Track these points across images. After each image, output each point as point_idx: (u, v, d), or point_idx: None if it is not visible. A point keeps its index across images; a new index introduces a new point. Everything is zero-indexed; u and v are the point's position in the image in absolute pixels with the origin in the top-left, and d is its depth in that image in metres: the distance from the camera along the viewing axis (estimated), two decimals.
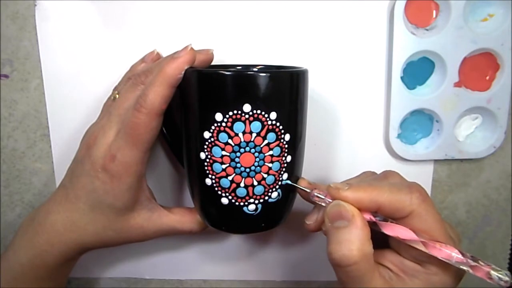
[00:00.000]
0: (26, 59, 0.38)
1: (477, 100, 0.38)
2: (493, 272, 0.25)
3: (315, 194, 0.30)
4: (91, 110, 0.37)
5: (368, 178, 0.31)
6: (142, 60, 0.36)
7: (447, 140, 0.39)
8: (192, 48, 0.30)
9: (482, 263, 0.25)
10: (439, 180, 0.41)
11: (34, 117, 0.39)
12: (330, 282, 0.43)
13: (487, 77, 0.38)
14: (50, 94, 0.38)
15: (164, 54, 0.36)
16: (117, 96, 0.33)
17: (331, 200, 0.29)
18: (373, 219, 0.28)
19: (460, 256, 0.26)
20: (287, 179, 0.31)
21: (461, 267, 0.26)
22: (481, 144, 0.39)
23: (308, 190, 0.31)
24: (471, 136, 0.40)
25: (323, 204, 0.29)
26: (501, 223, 0.42)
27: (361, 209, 0.27)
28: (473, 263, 0.26)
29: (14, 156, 0.40)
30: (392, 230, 0.27)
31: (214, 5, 0.37)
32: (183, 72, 0.30)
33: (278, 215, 0.33)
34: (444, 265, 0.27)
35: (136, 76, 0.32)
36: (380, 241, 0.28)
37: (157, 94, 0.29)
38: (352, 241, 0.26)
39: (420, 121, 0.39)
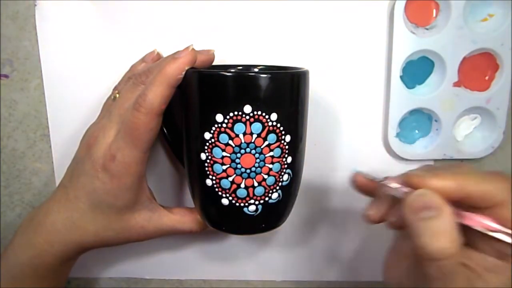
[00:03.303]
0: (26, 59, 0.38)
1: (476, 100, 0.38)
2: None
3: (388, 184, 0.27)
4: (91, 110, 0.37)
5: (440, 168, 0.28)
6: (142, 60, 0.36)
7: (446, 140, 0.39)
8: (193, 49, 0.30)
9: None
10: None
11: (34, 117, 0.39)
12: (330, 282, 0.44)
13: (487, 77, 0.38)
14: (50, 94, 0.38)
15: (164, 54, 0.36)
16: (117, 96, 0.33)
17: (406, 190, 0.26)
18: (456, 209, 0.24)
19: None
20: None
21: None
22: (480, 144, 0.39)
23: (377, 179, 0.28)
24: (470, 136, 0.40)
25: (395, 194, 0.27)
26: None
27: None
28: None
29: (14, 156, 0.40)
30: (476, 221, 0.24)
31: (215, 5, 0.37)
32: (183, 73, 0.30)
33: (278, 216, 0.33)
34: None
35: (137, 76, 0.32)
36: None
37: (157, 94, 0.29)
38: (448, 232, 0.24)
39: (419, 121, 0.39)
